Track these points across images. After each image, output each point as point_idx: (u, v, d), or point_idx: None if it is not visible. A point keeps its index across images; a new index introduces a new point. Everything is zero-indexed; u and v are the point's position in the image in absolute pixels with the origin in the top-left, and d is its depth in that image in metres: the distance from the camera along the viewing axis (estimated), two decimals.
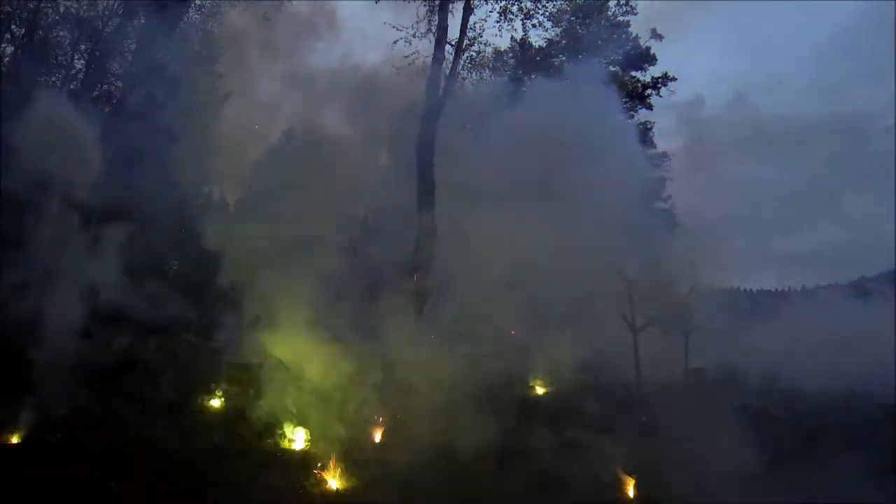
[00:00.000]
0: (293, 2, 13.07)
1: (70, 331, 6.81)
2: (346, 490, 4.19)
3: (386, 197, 11.40)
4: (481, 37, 12.81)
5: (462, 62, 12.29)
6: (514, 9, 13.34)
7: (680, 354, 7.77)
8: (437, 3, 12.02)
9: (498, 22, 13.23)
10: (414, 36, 12.19)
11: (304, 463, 4.79)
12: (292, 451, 5.37)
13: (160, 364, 7.37)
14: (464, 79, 12.70)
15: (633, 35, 24.24)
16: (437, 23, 11.83)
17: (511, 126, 10.34)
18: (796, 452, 3.92)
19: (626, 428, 5.19)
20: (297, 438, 5.79)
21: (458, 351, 7.76)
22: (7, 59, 11.63)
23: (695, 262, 9.90)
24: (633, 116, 25.14)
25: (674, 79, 24.69)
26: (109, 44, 11.70)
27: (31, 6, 11.52)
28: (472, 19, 12.33)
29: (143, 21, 12.09)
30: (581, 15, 22.87)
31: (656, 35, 24.27)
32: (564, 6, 21.03)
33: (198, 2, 13.18)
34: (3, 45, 11.46)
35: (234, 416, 5.94)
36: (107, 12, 11.91)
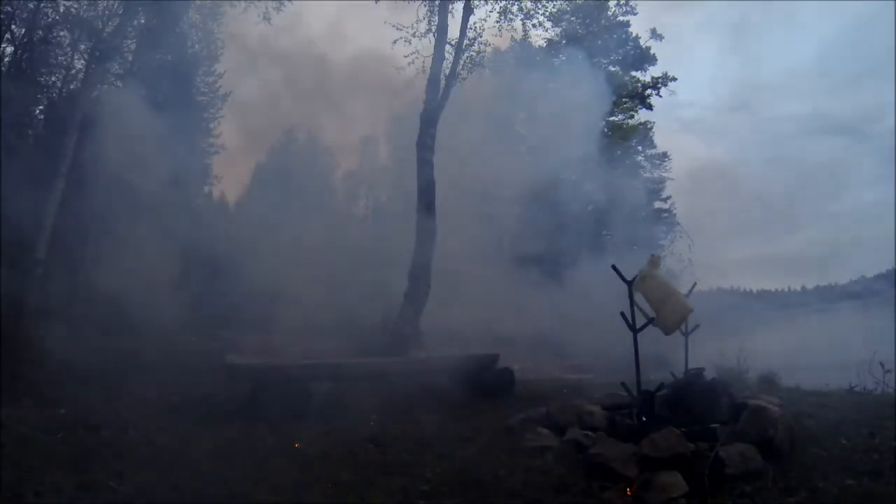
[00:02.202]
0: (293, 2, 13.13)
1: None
2: None
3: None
4: (481, 37, 12.81)
5: (462, 62, 12.30)
6: (514, 9, 13.33)
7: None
8: (437, 3, 12.03)
9: (498, 22, 13.23)
10: (414, 35, 12.22)
11: None
12: None
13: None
14: (464, 79, 12.70)
15: (633, 35, 24.29)
16: (437, 23, 11.85)
17: None
18: (794, 451, 3.91)
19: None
20: None
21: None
22: (7, 59, 11.64)
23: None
24: (633, 116, 25.22)
25: (674, 78, 24.77)
26: (109, 44, 11.73)
27: (31, 6, 11.52)
28: (472, 19, 12.35)
29: (143, 21, 12.11)
30: (581, 15, 22.91)
31: (656, 35, 24.34)
32: (564, 6, 21.00)
33: (198, 2, 13.19)
34: (3, 45, 11.47)
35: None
36: (107, 12, 11.91)
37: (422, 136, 11.23)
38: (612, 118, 24.68)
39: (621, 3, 23.50)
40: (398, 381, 7.28)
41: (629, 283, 4.35)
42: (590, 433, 4.26)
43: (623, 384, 4.37)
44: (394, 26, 12.29)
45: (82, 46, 12.41)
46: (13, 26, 11.54)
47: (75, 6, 11.78)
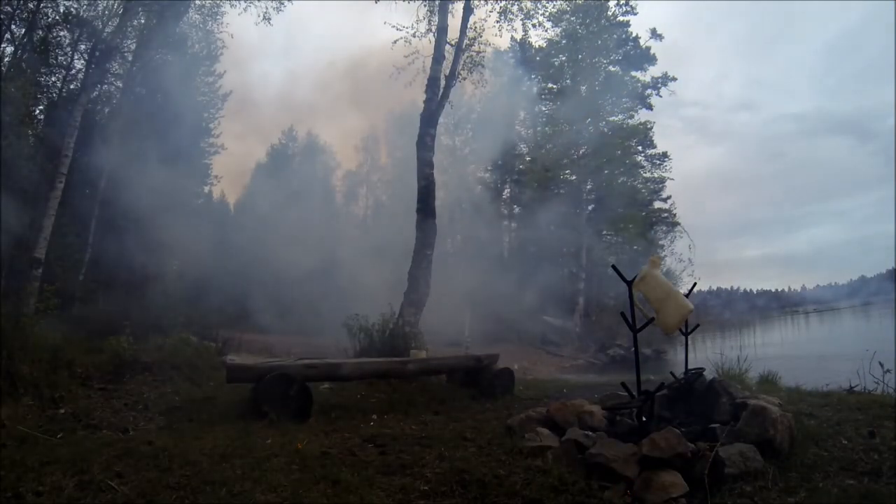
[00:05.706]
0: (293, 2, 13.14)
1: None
2: None
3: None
4: (481, 37, 12.82)
5: (462, 62, 12.31)
6: (514, 9, 13.34)
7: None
8: (436, 3, 12.04)
9: (498, 22, 13.25)
10: (414, 36, 12.24)
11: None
12: None
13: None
14: (464, 79, 12.72)
15: (633, 35, 24.29)
16: (437, 23, 11.86)
17: None
18: (794, 451, 3.91)
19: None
20: None
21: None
22: (7, 59, 11.65)
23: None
24: (633, 116, 25.20)
25: (674, 78, 24.80)
26: (109, 44, 11.73)
27: (31, 6, 11.53)
28: (471, 19, 12.36)
29: (142, 21, 12.13)
30: (581, 15, 22.90)
31: (656, 35, 24.35)
32: (564, 6, 20.98)
33: (198, 2, 13.20)
34: (3, 45, 11.48)
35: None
36: (107, 12, 11.92)
37: (422, 136, 11.24)
38: (612, 118, 24.70)
39: (621, 3, 23.54)
40: (397, 381, 7.28)
41: (629, 283, 4.34)
42: (590, 433, 4.25)
43: (623, 384, 4.37)
44: (394, 27, 12.32)
45: (82, 46, 12.43)
46: (13, 26, 11.56)
47: (75, 6, 11.80)
